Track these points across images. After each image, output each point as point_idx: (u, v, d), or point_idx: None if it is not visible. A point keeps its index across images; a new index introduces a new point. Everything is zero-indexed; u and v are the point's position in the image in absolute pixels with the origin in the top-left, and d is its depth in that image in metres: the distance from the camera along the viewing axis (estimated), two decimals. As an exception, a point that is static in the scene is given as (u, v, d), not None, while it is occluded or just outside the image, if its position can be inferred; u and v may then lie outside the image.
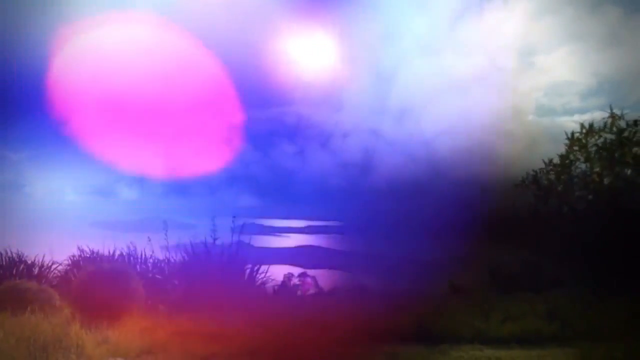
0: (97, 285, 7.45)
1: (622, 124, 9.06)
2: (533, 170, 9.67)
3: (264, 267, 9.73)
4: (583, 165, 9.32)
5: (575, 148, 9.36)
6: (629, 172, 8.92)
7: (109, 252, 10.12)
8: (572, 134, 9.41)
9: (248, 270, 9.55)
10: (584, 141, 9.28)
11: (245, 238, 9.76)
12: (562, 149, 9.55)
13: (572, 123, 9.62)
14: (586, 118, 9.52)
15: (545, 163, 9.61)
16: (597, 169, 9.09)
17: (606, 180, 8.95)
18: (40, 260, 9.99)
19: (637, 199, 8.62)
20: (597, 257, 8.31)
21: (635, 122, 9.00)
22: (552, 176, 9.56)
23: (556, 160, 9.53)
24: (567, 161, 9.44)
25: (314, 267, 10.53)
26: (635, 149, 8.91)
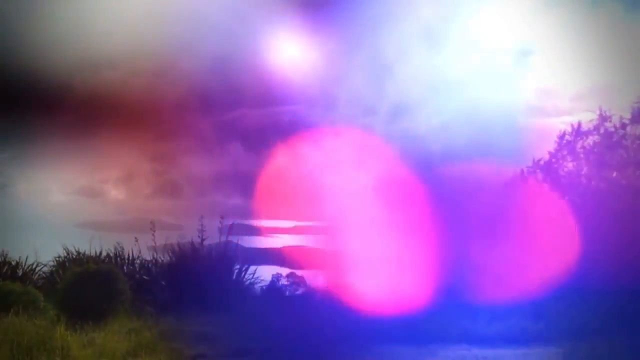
0: (83, 287, 7.39)
1: (611, 126, 9.16)
2: (521, 170, 9.71)
3: (252, 268, 9.71)
4: (570, 165, 9.40)
5: (565, 151, 9.45)
6: (614, 174, 9.01)
7: (95, 253, 10.02)
8: (563, 134, 9.48)
9: (236, 271, 9.52)
10: (573, 143, 9.37)
11: (233, 238, 9.73)
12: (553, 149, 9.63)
13: (564, 124, 9.70)
14: (578, 119, 9.60)
15: (533, 161, 9.66)
16: (585, 172, 9.19)
17: (594, 183, 9.05)
18: (25, 261, 9.87)
19: (623, 201, 8.72)
20: (583, 257, 8.39)
21: (624, 125, 9.09)
22: (540, 176, 9.63)
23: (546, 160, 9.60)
24: (554, 159, 9.51)
25: (303, 267, 10.50)
26: (621, 152, 9.01)
